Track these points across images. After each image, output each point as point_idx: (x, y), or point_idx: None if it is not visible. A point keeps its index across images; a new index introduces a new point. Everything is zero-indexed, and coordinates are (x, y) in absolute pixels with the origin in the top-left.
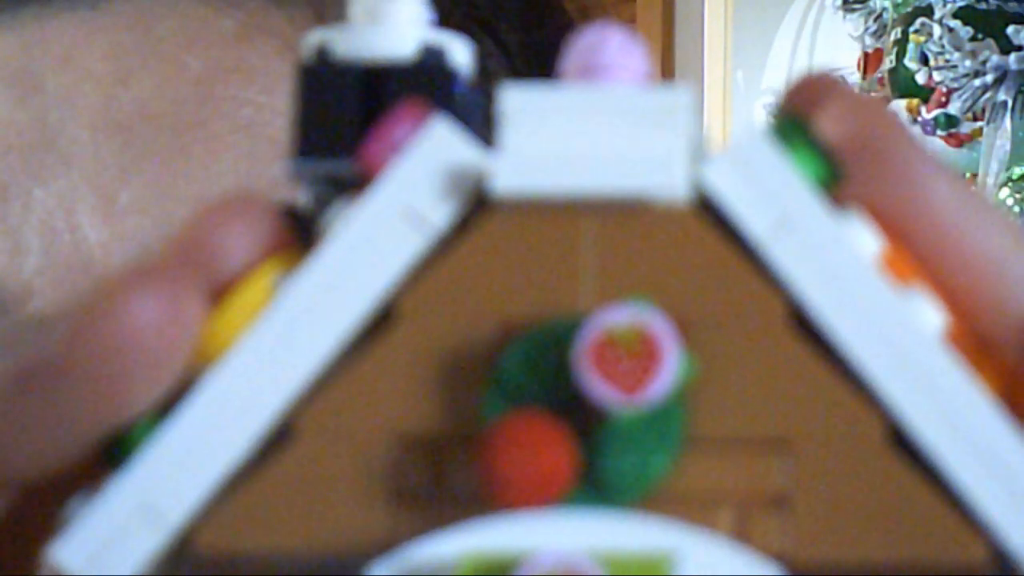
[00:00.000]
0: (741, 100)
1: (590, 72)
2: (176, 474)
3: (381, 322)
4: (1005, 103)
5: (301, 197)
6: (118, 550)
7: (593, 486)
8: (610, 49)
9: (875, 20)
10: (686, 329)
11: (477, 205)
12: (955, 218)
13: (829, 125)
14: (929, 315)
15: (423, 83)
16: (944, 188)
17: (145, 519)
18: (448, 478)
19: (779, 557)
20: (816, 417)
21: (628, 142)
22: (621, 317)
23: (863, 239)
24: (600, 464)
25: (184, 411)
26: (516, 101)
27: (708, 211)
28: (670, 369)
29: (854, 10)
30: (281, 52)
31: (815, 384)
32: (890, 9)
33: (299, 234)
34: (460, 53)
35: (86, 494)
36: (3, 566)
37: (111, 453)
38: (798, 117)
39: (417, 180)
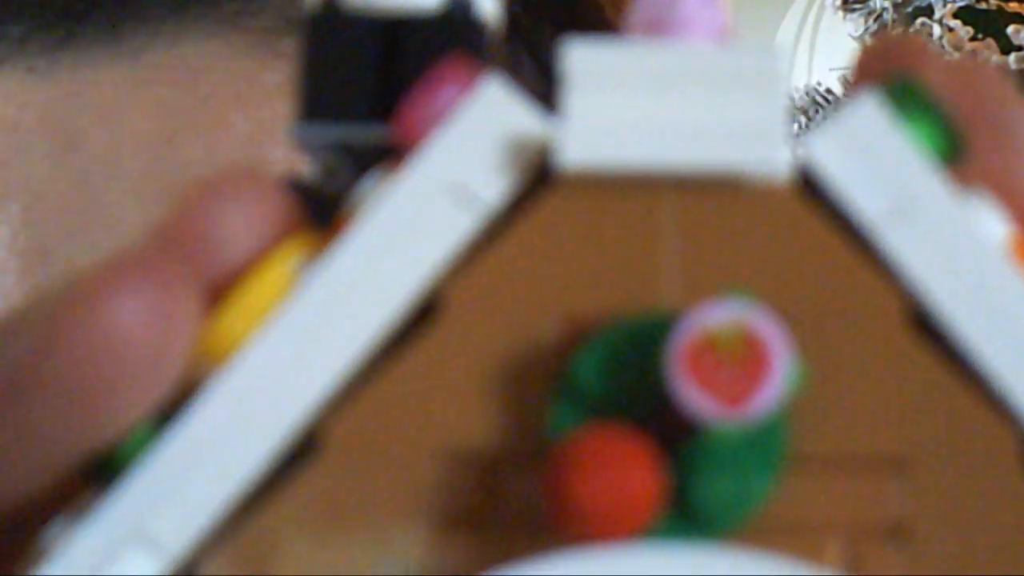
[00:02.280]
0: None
1: (664, 28)
2: (177, 495)
3: (424, 317)
4: None
5: (307, 169)
6: None
7: (683, 513)
8: (687, 3)
9: (875, 20)
10: (791, 330)
11: (538, 180)
12: None
13: (937, 91)
14: None
15: (450, 37)
16: None
17: (140, 548)
18: (505, 503)
19: None
20: (940, 433)
21: (716, 110)
22: (722, 315)
23: (991, 225)
24: (692, 488)
25: (187, 420)
26: (582, 60)
27: (812, 192)
28: (780, 378)
29: (854, 10)
30: None
31: (938, 394)
32: (890, 9)
33: (312, 214)
34: (488, 4)
35: (68, 519)
36: None
37: (98, 470)
38: (912, 80)
39: (467, 151)
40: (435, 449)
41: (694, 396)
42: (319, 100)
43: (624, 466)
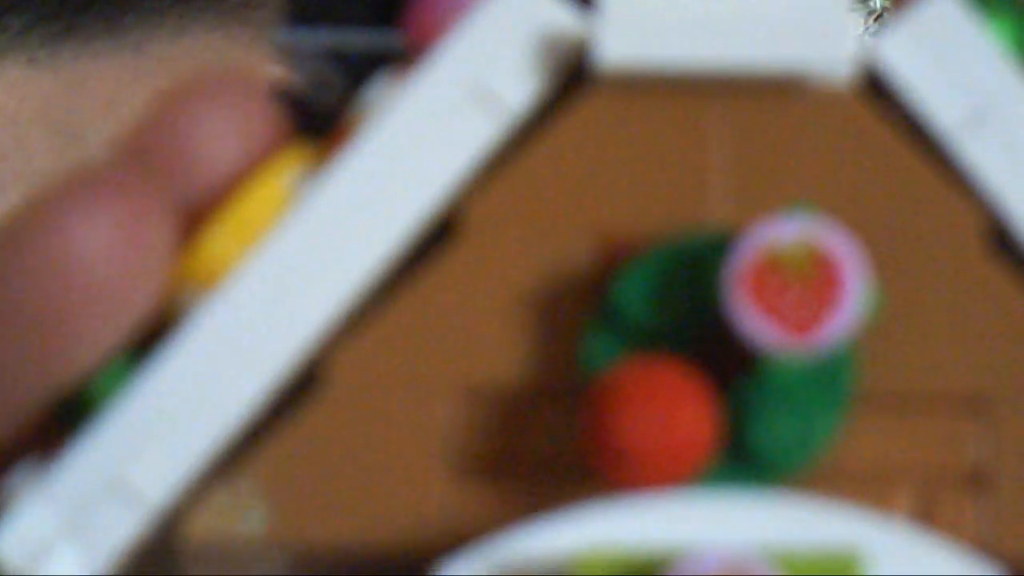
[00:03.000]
0: None
1: None
2: (159, 438)
3: (442, 235)
4: None
5: (294, 78)
6: (80, 541)
7: (740, 457)
8: None
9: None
10: (863, 251)
11: (571, 83)
12: None
13: None
14: None
15: None
16: None
17: (117, 498)
18: (535, 446)
19: (977, 547)
20: (1023, 369)
21: (771, 2)
22: (789, 232)
23: None
24: (750, 428)
25: (169, 353)
26: None
27: (881, 96)
28: (854, 303)
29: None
30: None
31: (1022, 325)
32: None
33: (303, 127)
34: None
35: (33, 467)
36: None
37: (69, 411)
38: None
39: (491, 49)
40: (454, 386)
41: (756, 322)
42: (310, 3)
43: (673, 403)
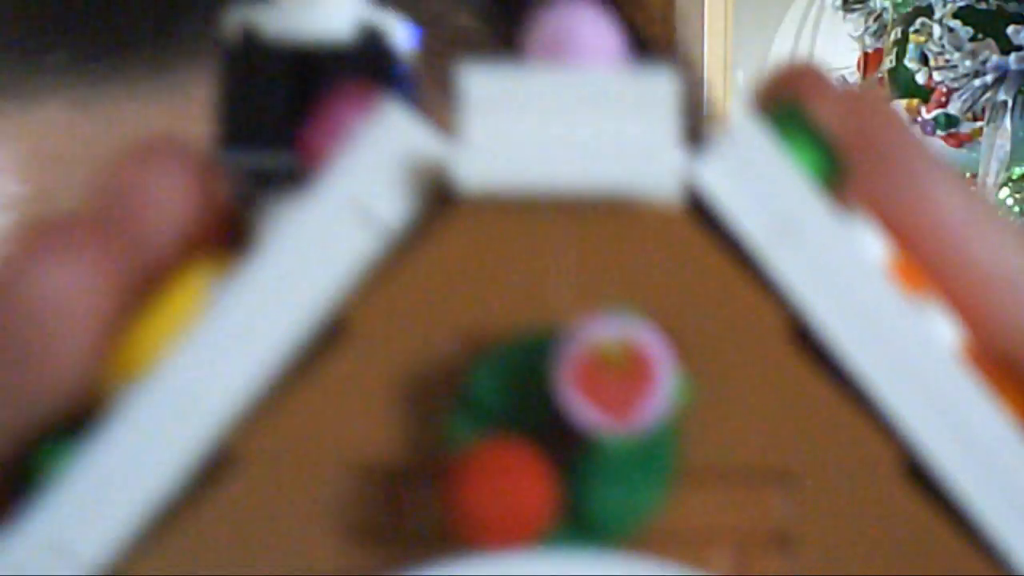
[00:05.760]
0: (741, 100)
1: (559, 53)
2: (94, 507)
3: (330, 335)
4: (1005, 103)
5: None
6: None
7: (575, 522)
8: (582, 27)
9: (875, 20)
10: (677, 345)
11: (437, 202)
12: (963, 229)
13: (825, 119)
14: (944, 329)
15: (362, 67)
16: (950, 194)
17: (56, 558)
18: (409, 512)
19: None
20: (822, 445)
21: (609, 133)
22: (608, 330)
23: (870, 244)
24: (584, 497)
25: (102, 432)
26: (479, 84)
27: (700, 212)
28: (664, 391)
29: (854, 10)
30: None
31: (820, 408)
32: (890, 9)
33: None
34: (400, 34)
35: None
36: None
37: (13, 481)
38: (795, 106)
39: (368, 172)
40: (343, 462)
41: (582, 408)
42: (236, 127)
43: (517, 476)
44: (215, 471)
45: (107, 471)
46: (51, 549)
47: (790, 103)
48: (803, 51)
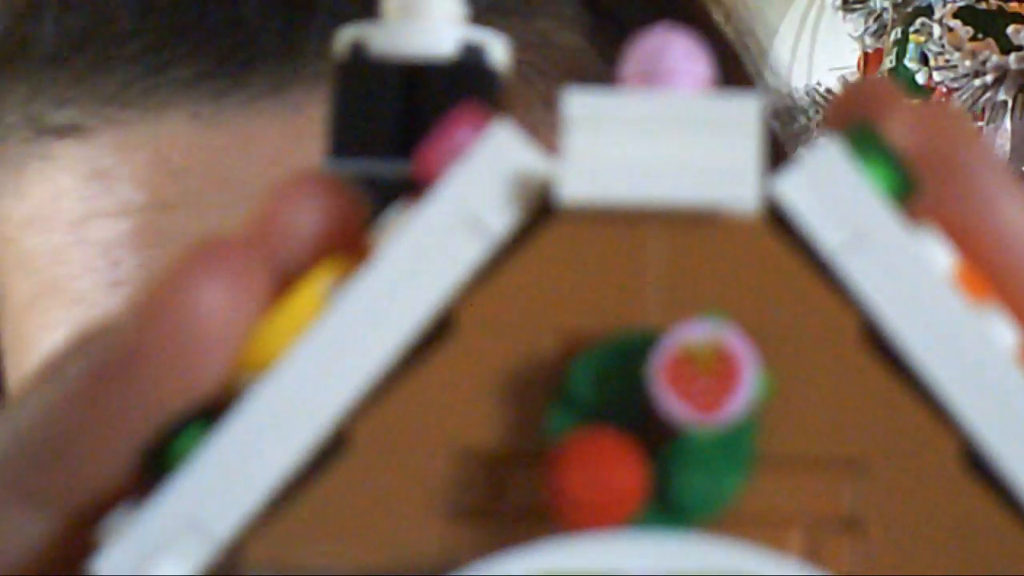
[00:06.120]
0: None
1: (653, 77)
2: (224, 486)
3: (439, 332)
4: (1005, 103)
5: None
6: (162, 566)
7: (663, 506)
8: (674, 54)
9: (875, 20)
10: (757, 345)
11: (540, 213)
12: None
13: (898, 135)
14: (1004, 334)
15: (464, 82)
16: (1014, 206)
17: (192, 533)
18: (510, 496)
19: None
20: (889, 437)
21: (697, 152)
22: (698, 333)
23: (937, 255)
24: (671, 484)
25: (233, 420)
26: (580, 106)
27: (780, 224)
28: (748, 388)
29: (854, 10)
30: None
31: (888, 402)
32: (890, 9)
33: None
34: (498, 51)
35: (126, 508)
36: None
37: (154, 464)
38: (870, 126)
39: (479, 186)
40: (448, 448)
41: (673, 404)
42: (347, 138)
43: (611, 463)
44: (331, 455)
45: (236, 455)
46: (186, 524)
47: (864, 122)
48: (803, 51)
